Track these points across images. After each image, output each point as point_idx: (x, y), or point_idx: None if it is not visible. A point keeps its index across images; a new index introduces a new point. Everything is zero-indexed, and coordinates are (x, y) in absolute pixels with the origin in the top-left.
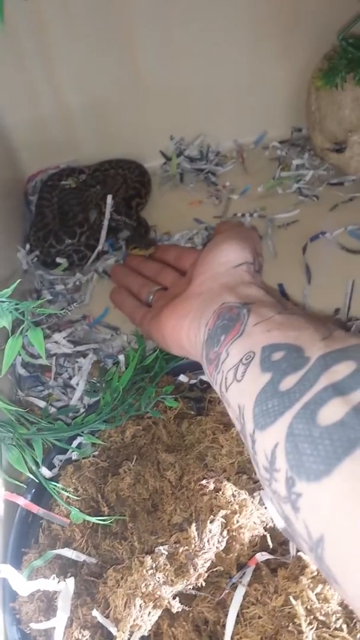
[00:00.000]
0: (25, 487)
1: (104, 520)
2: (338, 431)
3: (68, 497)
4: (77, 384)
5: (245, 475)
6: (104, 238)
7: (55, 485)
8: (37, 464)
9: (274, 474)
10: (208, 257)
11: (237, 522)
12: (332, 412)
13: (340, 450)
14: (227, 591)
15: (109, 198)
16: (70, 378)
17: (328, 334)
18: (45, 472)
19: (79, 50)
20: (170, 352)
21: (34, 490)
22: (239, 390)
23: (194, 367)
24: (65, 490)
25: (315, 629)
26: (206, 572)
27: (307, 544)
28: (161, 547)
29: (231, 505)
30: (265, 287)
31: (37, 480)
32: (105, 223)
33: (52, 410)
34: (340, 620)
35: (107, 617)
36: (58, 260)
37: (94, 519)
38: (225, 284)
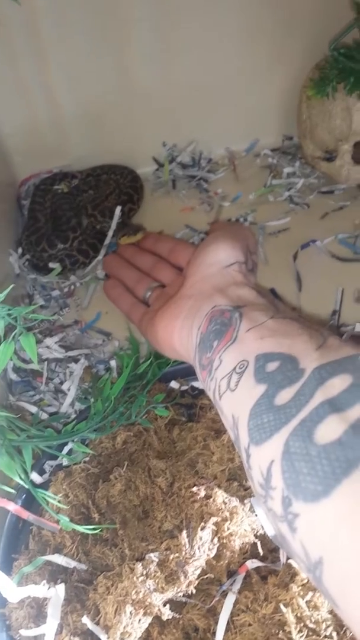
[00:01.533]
0: (16, 492)
1: (93, 529)
2: (336, 450)
3: (57, 505)
4: (69, 389)
5: (236, 482)
6: (106, 247)
7: (45, 493)
8: (26, 471)
9: (270, 491)
10: (199, 258)
11: (228, 529)
12: (330, 430)
13: (338, 470)
14: (217, 598)
15: (118, 209)
16: (61, 383)
17: (322, 342)
18: (35, 478)
19: (72, 55)
20: (164, 354)
21: (24, 496)
22: (233, 400)
23: (185, 374)
24: (55, 498)
25: (306, 637)
26: (197, 579)
27: (304, 565)
28: (152, 554)
29: (222, 512)
30: (257, 288)
31: (26, 487)
32: (110, 233)
33: (44, 415)
34: (330, 628)
35: (97, 624)
36: (51, 265)
37: (82, 528)
38: (216, 285)
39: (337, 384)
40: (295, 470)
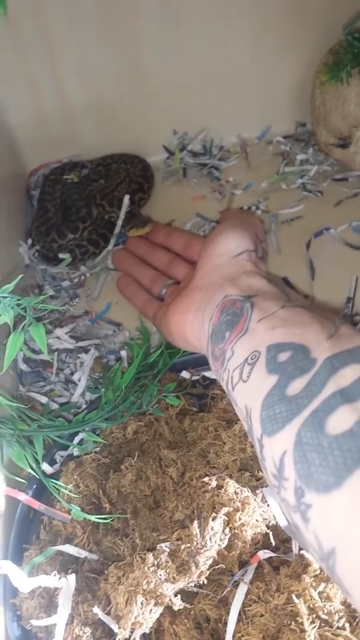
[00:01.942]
0: (27, 483)
1: (104, 518)
2: (348, 441)
3: (69, 494)
4: (79, 380)
5: (248, 472)
6: (116, 237)
7: (56, 483)
8: (37, 461)
9: (283, 482)
10: (208, 248)
11: (240, 519)
12: (341, 420)
13: (350, 461)
14: (229, 589)
15: (126, 198)
16: (72, 374)
17: (334, 331)
18: (46, 468)
19: (82, 45)
20: (177, 346)
21: (35, 486)
22: (246, 391)
23: (197, 364)
24: (66, 488)
25: (318, 628)
26: (208, 569)
27: (318, 554)
28: (163, 544)
29: (233, 502)
30: (268, 276)
31: (37, 476)
32: (119, 223)
33: (54, 406)
34: (343, 619)
35: (108, 614)
36: (61, 255)
37: (94, 517)
38: (227, 275)
39: (349, 374)
40: (307, 461)
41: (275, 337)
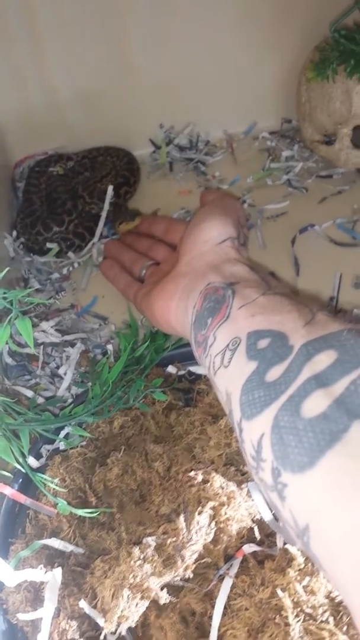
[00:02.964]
0: (12, 476)
1: (91, 512)
2: (321, 424)
3: (55, 488)
4: (65, 374)
5: (233, 467)
6: (100, 229)
7: (42, 477)
8: (23, 454)
9: (261, 463)
10: (192, 235)
11: (225, 513)
12: (315, 404)
13: (323, 443)
14: (214, 583)
15: (110, 189)
16: (58, 367)
17: (311, 317)
18: (32, 462)
19: (68, 36)
20: (161, 330)
21: (21, 480)
22: (227, 376)
23: (183, 358)
24: (52, 482)
25: (302, 622)
26: (194, 563)
27: (294, 531)
28: (149, 538)
29: (219, 497)
30: (250, 263)
31: (23, 470)
32: (104, 215)
33: (40, 400)
34: (327, 613)
35: (94, 607)
36: (49, 245)
37: (80, 511)
38: (210, 262)
39: (323, 360)
40: (283, 443)
41: (255, 324)
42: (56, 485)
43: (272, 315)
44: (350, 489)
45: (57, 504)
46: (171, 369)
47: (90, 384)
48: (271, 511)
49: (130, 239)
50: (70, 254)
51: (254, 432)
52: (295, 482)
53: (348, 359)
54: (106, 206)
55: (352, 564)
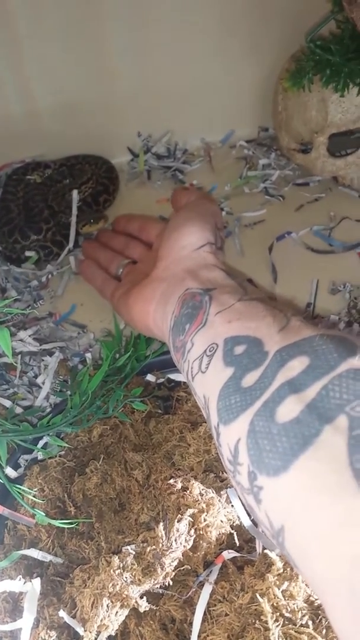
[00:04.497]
0: None
1: (69, 523)
2: (294, 428)
3: (33, 499)
4: (43, 383)
5: (213, 473)
6: (73, 235)
7: (20, 488)
8: (0, 465)
9: (238, 467)
10: (170, 239)
11: (205, 520)
12: (289, 409)
13: (296, 447)
14: (194, 589)
15: (75, 193)
16: (36, 377)
17: (285, 323)
18: (10, 472)
19: (47, 43)
20: (137, 331)
21: None
22: (204, 381)
23: (162, 366)
24: (31, 492)
25: (282, 626)
26: (173, 570)
27: (269, 532)
28: (128, 547)
29: (198, 503)
30: (227, 268)
31: (1, 481)
32: (73, 220)
33: (18, 409)
34: (306, 617)
35: (73, 617)
36: (27, 253)
37: (58, 523)
38: (188, 268)
39: (296, 366)
40: (259, 448)
41: (231, 330)
42: (34, 496)
43: (248, 322)
44: (322, 491)
45: (34, 515)
46: (150, 377)
47: (69, 393)
48: (249, 516)
49: (106, 237)
50: (48, 266)
51: (231, 437)
52: (270, 485)
53: (319, 365)
54: (74, 211)
55: (323, 562)
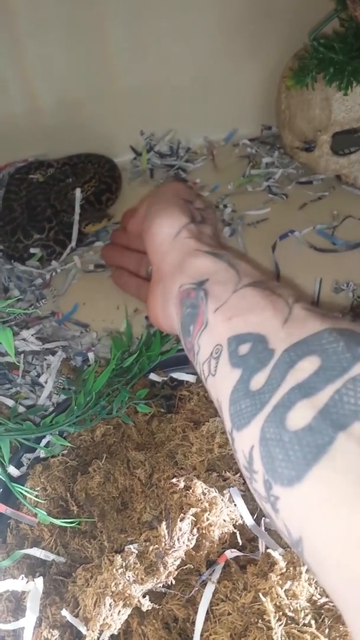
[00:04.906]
0: None
1: (71, 522)
2: (307, 436)
3: (35, 498)
4: (46, 382)
5: (215, 472)
6: (76, 233)
7: (22, 488)
8: (3, 464)
9: (253, 474)
10: (148, 242)
11: (207, 519)
12: (300, 416)
13: (309, 456)
14: (196, 588)
15: (78, 191)
16: (38, 376)
17: (288, 313)
18: (13, 471)
19: (49, 43)
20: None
21: (1, 490)
22: (215, 384)
23: (164, 365)
24: (33, 492)
25: (284, 625)
26: (176, 570)
27: (289, 541)
28: (131, 546)
29: (201, 503)
30: (213, 248)
31: (4, 479)
32: (76, 218)
33: (21, 408)
34: (309, 617)
35: (76, 616)
36: (32, 250)
37: (60, 522)
38: (174, 262)
39: (307, 367)
40: (271, 456)
41: (233, 329)
42: (36, 495)
43: (248, 315)
44: (338, 503)
45: (37, 514)
46: (154, 376)
47: (73, 390)
48: (252, 515)
49: (122, 239)
50: (53, 262)
51: (245, 444)
52: (286, 496)
53: (331, 366)
54: (77, 209)
55: (342, 577)
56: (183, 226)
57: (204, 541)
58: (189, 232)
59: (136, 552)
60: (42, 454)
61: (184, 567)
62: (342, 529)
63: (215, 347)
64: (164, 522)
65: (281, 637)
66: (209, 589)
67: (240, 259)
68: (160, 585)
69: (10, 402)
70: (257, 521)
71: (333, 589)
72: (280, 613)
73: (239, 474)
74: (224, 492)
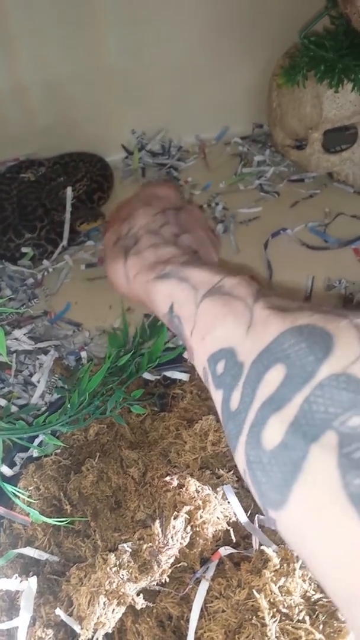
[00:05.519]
0: None
1: (64, 521)
2: (282, 454)
3: (28, 498)
4: (38, 381)
5: (209, 470)
6: (67, 232)
7: (13, 488)
8: None
9: (254, 496)
10: (115, 288)
11: (201, 517)
12: (274, 432)
13: (288, 475)
14: (190, 586)
15: (69, 190)
16: (31, 375)
17: (249, 317)
18: (6, 470)
19: (41, 41)
20: None
21: None
22: (215, 404)
23: (157, 364)
24: (26, 491)
25: (279, 622)
26: (170, 567)
27: (297, 553)
28: (125, 544)
29: (195, 500)
30: (157, 263)
31: None
32: (67, 217)
33: (13, 408)
34: (303, 613)
35: (70, 615)
36: (23, 249)
37: (52, 521)
38: (140, 297)
39: (274, 379)
40: (257, 480)
41: (208, 349)
42: (29, 495)
43: (214, 331)
44: (323, 522)
45: (30, 513)
46: (147, 375)
47: (67, 389)
48: (246, 513)
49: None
50: (45, 261)
51: (240, 466)
52: (280, 519)
53: (296, 373)
54: (68, 208)
55: (344, 590)
56: (124, 268)
57: (197, 539)
58: (132, 268)
59: (130, 550)
60: (35, 454)
61: (178, 565)
62: (337, 546)
63: (203, 370)
64: (157, 521)
65: (275, 634)
66: (203, 587)
67: (189, 261)
68: (154, 583)
69: (2, 402)
70: (251, 518)
71: (341, 606)
72: (275, 609)
73: (232, 472)
74: (218, 489)
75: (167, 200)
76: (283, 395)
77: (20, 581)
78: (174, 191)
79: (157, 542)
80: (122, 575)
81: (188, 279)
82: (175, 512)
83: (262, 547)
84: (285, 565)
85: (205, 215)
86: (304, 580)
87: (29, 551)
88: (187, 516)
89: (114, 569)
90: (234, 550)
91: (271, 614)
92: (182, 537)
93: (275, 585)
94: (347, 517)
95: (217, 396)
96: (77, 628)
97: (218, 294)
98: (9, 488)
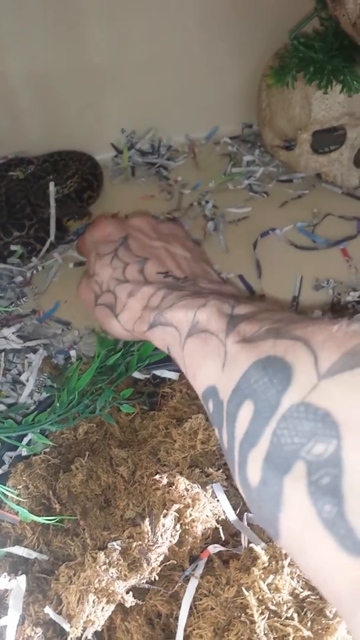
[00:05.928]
0: None
1: (52, 520)
2: (264, 491)
3: (16, 497)
4: (27, 380)
5: (198, 469)
6: (54, 228)
7: (3, 487)
8: None
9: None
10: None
11: (190, 515)
12: (254, 470)
13: (274, 510)
14: (179, 584)
15: (52, 185)
16: (19, 374)
17: (224, 353)
18: None
19: (28, 38)
20: None
21: None
22: None
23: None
24: (15, 490)
25: (267, 619)
26: (159, 565)
27: None
28: (114, 543)
29: (184, 499)
30: (132, 283)
31: None
32: (52, 212)
33: (2, 407)
34: (292, 610)
35: (59, 613)
36: (12, 247)
37: (41, 519)
38: (136, 335)
39: (245, 416)
40: (257, 516)
41: (198, 387)
42: (18, 494)
43: (199, 371)
44: (314, 552)
45: (18, 512)
46: (137, 374)
47: (56, 387)
48: (234, 511)
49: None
50: (33, 259)
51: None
52: (284, 548)
53: (262, 407)
54: (52, 203)
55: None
56: (121, 327)
57: (187, 537)
58: (127, 324)
59: (119, 548)
60: (24, 452)
61: (167, 563)
62: (341, 579)
63: (207, 407)
64: (147, 519)
65: (264, 631)
66: (192, 584)
67: (166, 296)
68: (144, 581)
69: None
70: (240, 516)
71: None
72: (263, 607)
73: (221, 470)
74: (207, 487)
75: (115, 232)
76: (255, 431)
77: (9, 580)
78: (112, 223)
79: (146, 540)
80: (112, 573)
81: (170, 322)
82: (165, 511)
83: (251, 545)
84: (273, 562)
85: (181, 224)
86: (292, 578)
87: (18, 550)
88: (176, 514)
89: (103, 567)
90: (223, 548)
91: (260, 611)
92: (171, 535)
93: (264, 582)
94: (325, 544)
95: (216, 433)
96: (66, 626)
97: (196, 331)
98: None
